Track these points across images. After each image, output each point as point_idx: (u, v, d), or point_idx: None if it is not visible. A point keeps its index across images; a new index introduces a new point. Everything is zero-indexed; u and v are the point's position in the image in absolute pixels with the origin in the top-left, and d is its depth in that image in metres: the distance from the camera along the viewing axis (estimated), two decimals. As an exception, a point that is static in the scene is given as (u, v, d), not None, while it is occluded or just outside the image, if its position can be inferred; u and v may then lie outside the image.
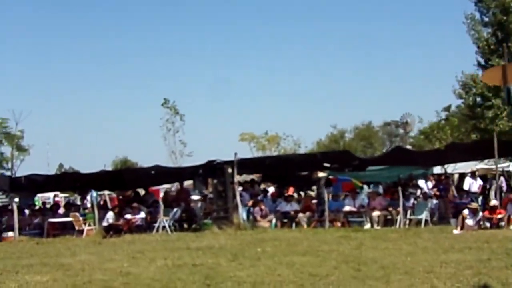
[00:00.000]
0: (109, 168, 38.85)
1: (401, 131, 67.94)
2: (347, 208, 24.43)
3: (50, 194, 42.12)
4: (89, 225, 25.59)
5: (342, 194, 27.12)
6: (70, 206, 29.90)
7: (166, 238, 22.22)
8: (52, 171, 38.46)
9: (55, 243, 22.93)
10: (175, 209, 25.73)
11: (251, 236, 20.85)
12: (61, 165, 71.63)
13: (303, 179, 30.90)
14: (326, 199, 23.92)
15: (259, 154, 47.69)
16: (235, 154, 24.85)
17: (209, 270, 12.97)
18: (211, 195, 28.78)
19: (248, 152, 47.33)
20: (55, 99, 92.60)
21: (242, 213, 24.35)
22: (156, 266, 13.98)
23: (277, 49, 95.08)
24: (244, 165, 25.34)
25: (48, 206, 32.41)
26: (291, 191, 27.50)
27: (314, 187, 29.23)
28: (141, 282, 11.77)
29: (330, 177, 28.57)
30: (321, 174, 31.07)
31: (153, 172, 26.43)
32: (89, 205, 31.85)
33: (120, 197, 32.26)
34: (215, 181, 25.11)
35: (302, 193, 28.77)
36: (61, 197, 46.25)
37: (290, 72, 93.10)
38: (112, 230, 24.08)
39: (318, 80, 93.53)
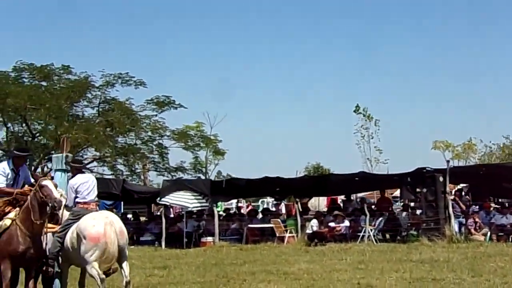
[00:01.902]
0: (301, 174, 38.41)
1: None
2: None
3: (234, 200, 42.45)
4: (290, 232, 25.33)
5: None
6: (266, 212, 29.86)
7: (376, 248, 21.46)
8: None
9: (260, 250, 22.83)
10: (380, 219, 24.95)
11: (471, 250, 19.64)
12: (219, 173, 71.25)
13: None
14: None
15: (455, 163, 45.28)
16: (447, 161, 23.79)
17: (456, 286, 12.09)
18: (412, 204, 27.79)
19: (441, 161, 45.05)
20: (245, 105, 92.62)
21: (454, 225, 23.11)
22: (392, 279, 13.27)
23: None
24: (456, 173, 24.08)
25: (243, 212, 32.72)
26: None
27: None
28: (393, 297, 11.06)
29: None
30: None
31: (357, 178, 25.76)
32: (283, 211, 31.86)
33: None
34: (424, 190, 24.01)
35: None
36: (243, 203, 46.63)
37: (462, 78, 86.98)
38: (317, 238, 23.68)
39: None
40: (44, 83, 28.74)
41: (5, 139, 29.99)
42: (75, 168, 11.66)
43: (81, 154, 30.32)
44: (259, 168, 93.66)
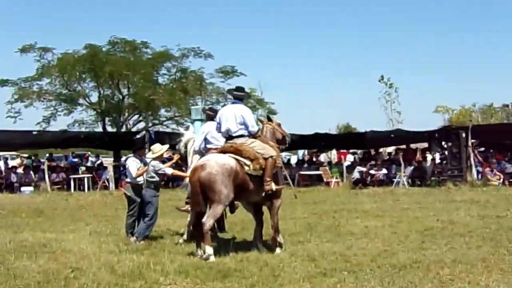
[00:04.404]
0: (334, 132, 37.75)
1: None
2: None
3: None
4: (336, 178, 24.78)
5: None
6: (312, 162, 29.21)
7: (412, 191, 20.79)
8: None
9: (316, 192, 22.24)
10: (411, 167, 24.33)
11: (496, 192, 19.07)
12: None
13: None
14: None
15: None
16: (470, 120, 23.03)
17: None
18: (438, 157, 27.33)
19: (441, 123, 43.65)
20: (286, 74, 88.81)
21: (474, 173, 22.54)
22: (462, 216, 12.65)
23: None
24: (476, 131, 23.41)
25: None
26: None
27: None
28: None
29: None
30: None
31: (392, 135, 25.12)
32: (322, 160, 31.31)
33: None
34: (449, 144, 23.45)
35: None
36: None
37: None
38: (360, 183, 23.17)
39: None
40: (131, 55, 28.24)
41: (97, 100, 29.51)
42: (208, 116, 10.51)
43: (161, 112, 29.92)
44: (299, 127, 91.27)
